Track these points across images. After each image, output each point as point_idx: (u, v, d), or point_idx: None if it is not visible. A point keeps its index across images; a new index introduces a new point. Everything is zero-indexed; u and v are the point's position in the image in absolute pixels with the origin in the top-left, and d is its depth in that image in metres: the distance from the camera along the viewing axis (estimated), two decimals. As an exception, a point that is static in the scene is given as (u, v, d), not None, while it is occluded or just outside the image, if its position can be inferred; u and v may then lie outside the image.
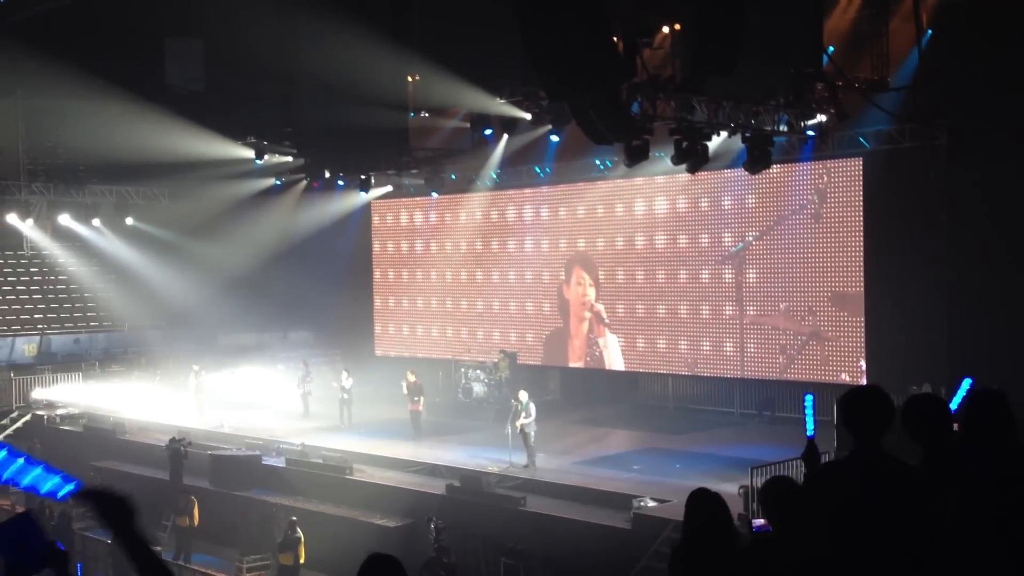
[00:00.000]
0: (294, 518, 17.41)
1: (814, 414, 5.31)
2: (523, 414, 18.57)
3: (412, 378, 22.40)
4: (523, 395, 18.85)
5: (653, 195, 24.44)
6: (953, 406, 4.85)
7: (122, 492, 2.92)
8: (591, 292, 25.89)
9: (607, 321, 25.46)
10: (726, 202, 23.18)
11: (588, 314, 26.02)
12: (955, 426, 4.52)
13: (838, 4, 19.62)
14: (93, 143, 28.26)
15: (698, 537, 4.61)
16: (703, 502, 4.65)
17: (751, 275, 22.72)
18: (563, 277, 26.51)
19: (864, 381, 20.17)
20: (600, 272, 25.62)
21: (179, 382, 26.30)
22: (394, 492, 18.46)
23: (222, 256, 29.82)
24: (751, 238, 22.71)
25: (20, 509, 20.29)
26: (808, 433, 5.26)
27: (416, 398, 22.08)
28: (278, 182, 29.42)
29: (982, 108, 18.30)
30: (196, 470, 20.52)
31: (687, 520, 4.70)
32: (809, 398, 5.58)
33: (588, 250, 25.92)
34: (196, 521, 18.96)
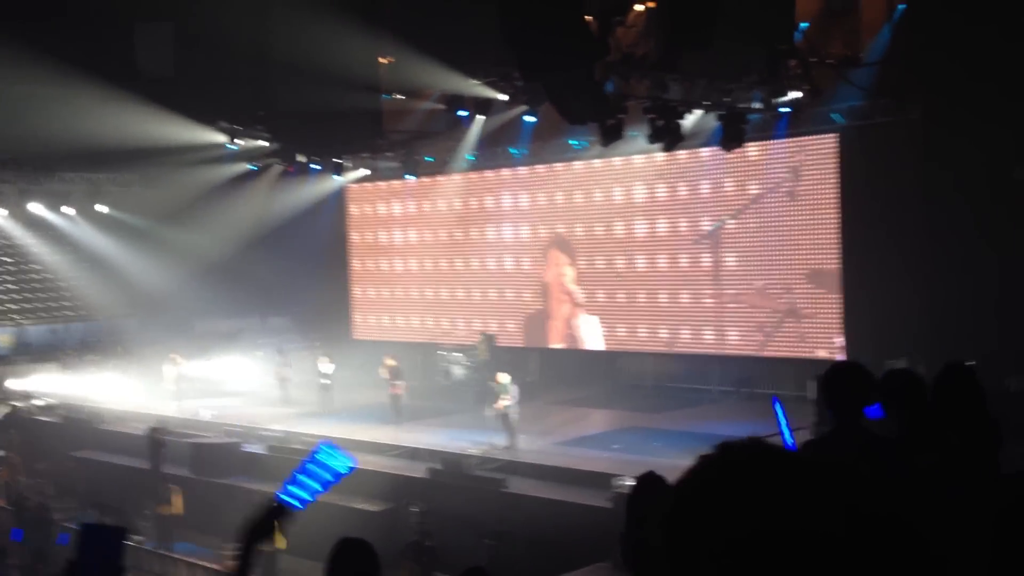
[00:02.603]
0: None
1: (786, 417, 5.18)
2: (505, 396, 18.59)
3: (391, 362, 22.36)
4: (504, 377, 18.85)
5: (630, 177, 24.42)
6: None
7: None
8: (568, 273, 25.88)
9: (581, 303, 25.48)
10: (702, 183, 23.20)
11: (565, 295, 26.03)
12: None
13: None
14: (63, 130, 27.91)
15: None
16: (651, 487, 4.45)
17: (728, 255, 22.78)
18: (544, 259, 26.49)
19: (841, 357, 20.29)
20: (580, 258, 25.59)
21: (156, 370, 26.14)
22: (375, 476, 18.42)
23: (197, 242, 29.59)
24: (727, 218, 22.75)
25: (1, 503, 20.16)
26: (786, 443, 5.15)
27: (396, 382, 22.05)
28: (252, 167, 29.20)
29: (955, 82, 18.36)
30: (176, 458, 20.42)
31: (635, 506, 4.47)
32: (777, 404, 5.44)
33: (567, 234, 25.88)
34: (178, 510, 18.89)
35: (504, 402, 18.55)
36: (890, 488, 3.86)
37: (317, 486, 3.13)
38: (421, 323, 29.10)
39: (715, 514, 1.21)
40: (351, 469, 3.32)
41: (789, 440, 5.01)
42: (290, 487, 3.06)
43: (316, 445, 3.35)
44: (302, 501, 3.06)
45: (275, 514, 2.98)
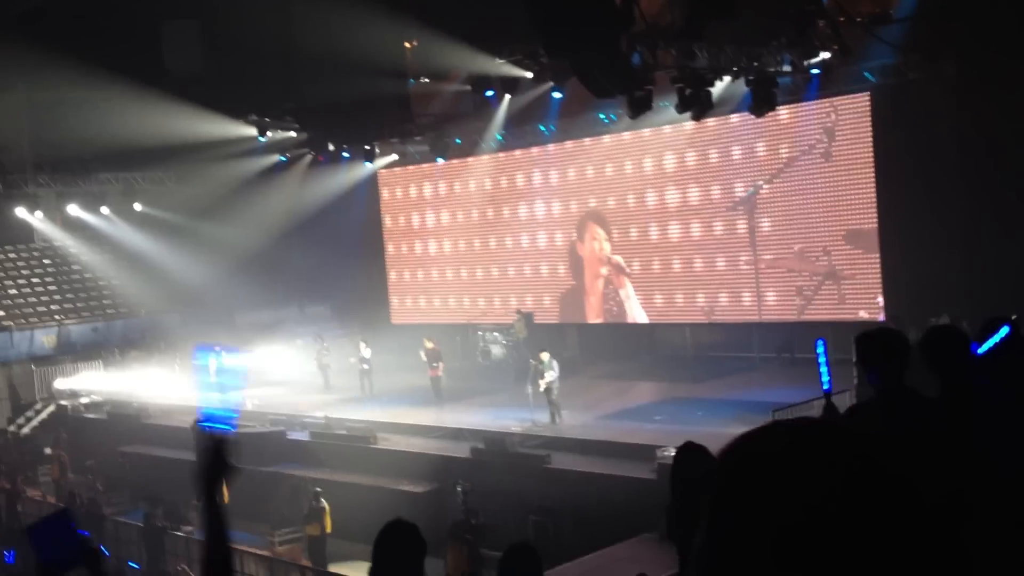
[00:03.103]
0: (318, 489, 17.54)
1: (827, 361, 5.14)
2: (547, 373, 18.64)
3: (430, 344, 22.45)
4: (545, 355, 18.90)
5: (660, 147, 24.26)
6: (983, 350, 4.78)
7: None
8: (607, 246, 25.78)
9: (628, 271, 25.36)
10: (734, 148, 22.99)
11: (605, 270, 25.94)
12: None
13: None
14: (97, 132, 28.24)
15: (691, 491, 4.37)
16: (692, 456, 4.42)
17: (764, 220, 22.58)
18: (575, 236, 26.42)
19: (882, 317, 20.09)
20: (613, 229, 25.49)
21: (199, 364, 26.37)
22: (419, 458, 18.56)
23: (233, 236, 29.83)
24: (762, 183, 22.55)
25: (51, 500, 20.54)
26: (824, 387, 5.10)
27: (435, 364, 22.14)
28: (283, 158, 29.35)
29: (988, 35, 18.00)
30: (222, 449, 20.61)
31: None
32: (821, 345, 5.40)
33: (600, 207, 25.78)
34: (226, 499, 19.08)
35: (547, 379, 18.59)
36: (928, 449, 3.82)
37: (231, 397, 2.88)
38: (458, 303, 29.17)
39: (764, 499, 1.18)
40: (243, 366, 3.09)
41: (827, 384, 4.98)
42: (207, 410, 2.77)
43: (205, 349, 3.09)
44: (228, 420, 2.78)
45: (216, 445, 2.73)
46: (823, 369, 5.05)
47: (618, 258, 25.55)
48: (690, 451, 4.44)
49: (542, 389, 18.68)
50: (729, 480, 1.20)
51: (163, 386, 26.35)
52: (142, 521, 18.25)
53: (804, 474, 1.16)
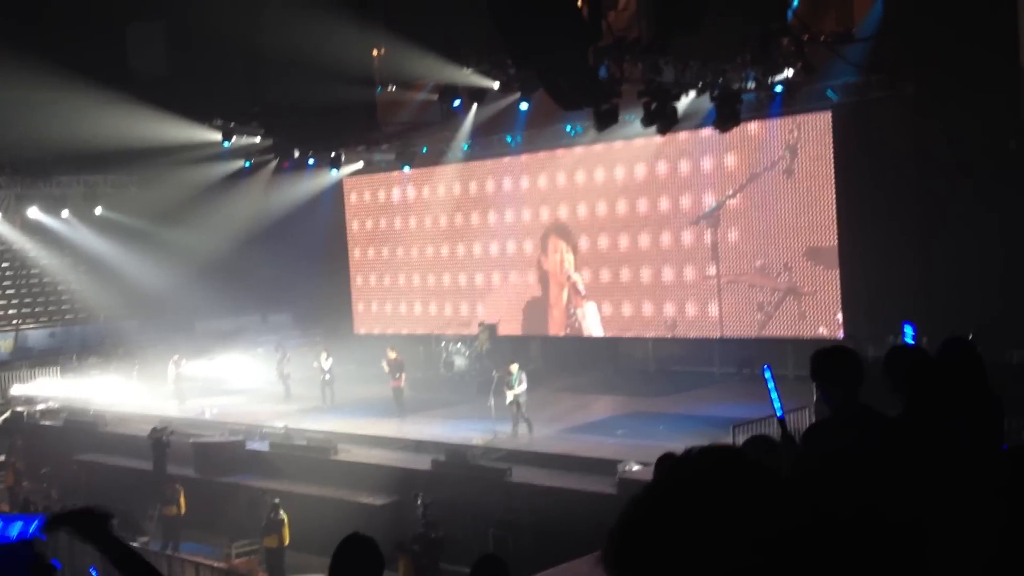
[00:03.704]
0: (276, 500, 17.36)
1: (776, 386, 5.10)
2: (517, 385, 18.65)
3: (393, 355, 22.33)
4: (514, 367, 18.92)
5: (626, 159, 24.36)
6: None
7: (84, 506, 2.89)
8: (569, 260, 25.82)
9: (583, 292, 25.43)
10: (699, 162, 23.14)
11: (566, 283, 25.98)
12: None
13: (801, -43, 19.50)
14: (59, 133, 27.85)
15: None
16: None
17: (726, 234, 22.73)
18: (541, 249, 26.44)
19: (842, 334, 20.27)
20: (582, 239, 25.51)
21: (158, 371, 26.12)
22: (380, 470, 18.43)
23: (195, 241, 29.55)
24: (725, 197, 22.69)
25: (5, 509, 20.17)
26: (777, 414, 5.09)
27: (398, 375, 22.02)
28: (248, 163, 29.13)
29: (948, 56, 18.27)
30: (180, 458, 20.40)
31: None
32: (768, 371, 5.35)
33: (566, 219, 25.80)
34: (183, 510, 18.88)
35: (516, 391, 18.59)
36: (890, 470, 3.83)
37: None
38: (424, 310, 29.07)
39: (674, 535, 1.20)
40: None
41: (779, 410, 4.97)
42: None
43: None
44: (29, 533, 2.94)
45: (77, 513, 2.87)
46: (773, 395, 5.04)
47: (576, 277, 25.59)
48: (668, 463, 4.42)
49: (508, 401, 18.65)
50: (637, 515, 1.22)
51: (121, 393, 26.02)
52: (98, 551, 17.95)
53: (710, 509, 1.17)
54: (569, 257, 25.82)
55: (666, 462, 4.43)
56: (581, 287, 25.53)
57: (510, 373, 18.83)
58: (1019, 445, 4.35)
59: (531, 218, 26.59)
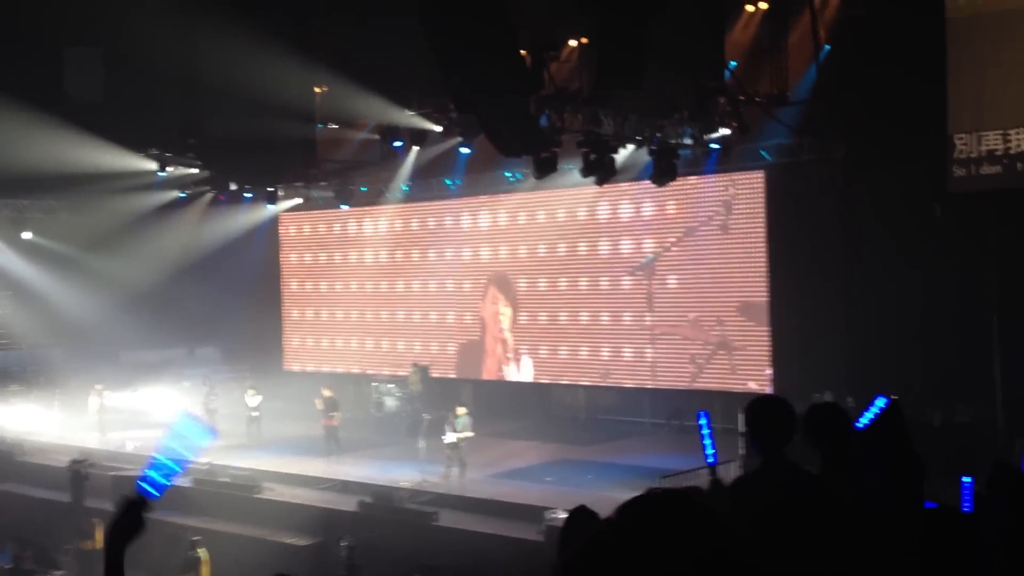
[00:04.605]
0: (195, 538, 17.00)
1: (711, 433, 5.19)
2: (461, 429, 18.69)
3: (328, 393, 22.15)
4: (462, 411, 18.98)
5: (566, 203, 24.61)
6: (863, 422, 4.94)
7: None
8: (505, 316, 25.86)
9: (516, 349, 25.51)
10: (635, 214, 23.46)
11: (500, 336, 26.09)
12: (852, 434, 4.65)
13: (739, 19, 20.04)
14: (-13, 155, 27.29)
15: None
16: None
17: (662, 285, 23.02)
18: (483, 293, 26.52)
19: (770, 390, 20.59)
20: (521, 280, 25.60)
21: (81, 401, 25.51)
22: (304, 510, 18.19)
23: (124, 271, 29.02)
24: (661, 249, 23.02)
25: None
26: (709, 460, 5.18)
27: (332, 413, 21.84)
28: (182, 195, 28.78)
29: (877, 122, 18.88)
30: (99, 492, 19.88)
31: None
32: (703, 417, 5.46)
33: (506, 260, 25.86)
34: (100, 544, 18.39)
35: (461, 435, 18.62)
36: (809, 523, 3.92)
37: (175, 467, 2.99)
38: (360, 346, 28.86)
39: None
40: (211, 439, 3.20)
41: (712, 457, 5.07)
42: (149, 472, 2.91)
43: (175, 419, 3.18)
44: (161, 487, 2.93)
45: (137, 507, 2.86)
46: (707, 441, 5.14)
47: (509, 336, 25.69)
48: (580, 515, 4.48)
49: (448, 442, 18.64)
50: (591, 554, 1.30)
51: (40, 423, 25.35)
52: (10, 563, 17.43)
53: (661, 551, 1.26)
54: (506, 313, 25.87)
55: (578, 514, 4.47)
56: (513, 344, 25.63)
57: (456, 416, 18.85)
58: (940, 509, 4.49)
59: (471, 257, 26.64)
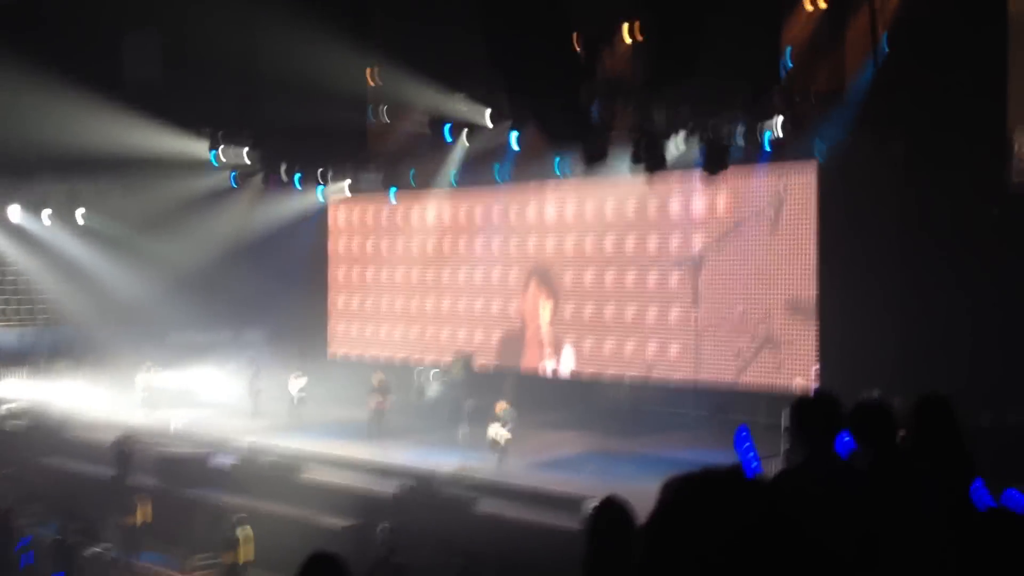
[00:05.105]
0: (239, 517, 17.20)
1: (752, 446, 5.02)
2: (504, 424, 18.75)
3: (380, 376, 22.57)
4: (502, 405, 19.05)
5: (615, 196, 24.48)
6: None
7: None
8: (546, 312, 25.84)
9: (555, 343, 25.46)
10: (684, 206, 23.29)
11: (540, 331, 26.10)
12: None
13: (797, 14, 19.79)
14: (45, 136, 27.74)
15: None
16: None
17: (710, 279, 22.84)
18: (524, 286, 26.51)
19: (816, 386, 20.34)
20: (568, 273, 25.54)
21: (128, 379, 25.90)
22: (345, 493, 18.32)
23: (175, 253, 29.41)
24: (710, 242, 22.84)
25: None
26: (749, 471, 5.09)
27: (383, 397, 22.16)
28: (234, 178, 29.06)
29: (937, 117, 18.53)
30: (144, 468, 20.21)
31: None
32: (743, 431, 5.31)
33: (551, 254, 25.81)
34: (149, 519, 18.68)
35: (501, 432, 18.67)
36: (852, 519, 3.86)
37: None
38: (404, 334, 29.02)
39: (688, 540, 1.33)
40: None
41: (755, 467, 4.99)
42: None
43: None
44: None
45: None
46: (749, 455, 5.00)
47: (548, 331, 25.64)
48: (608, 506, 4.46)
49: (490, 436, 18.70)
50: (662, 521, 1.31)
51: (89, 399, 25.78)
52: (56, 535, 17.77)
53: (721, 521, 1.27)
54: (547, 307, 25.84)
55: (604, 505, 4.43)
56: (553, 338, 25.60)
57: (500, 410, 18.94)
58: (995, 509, 4.38)
59: (517, 248, 26.63)
